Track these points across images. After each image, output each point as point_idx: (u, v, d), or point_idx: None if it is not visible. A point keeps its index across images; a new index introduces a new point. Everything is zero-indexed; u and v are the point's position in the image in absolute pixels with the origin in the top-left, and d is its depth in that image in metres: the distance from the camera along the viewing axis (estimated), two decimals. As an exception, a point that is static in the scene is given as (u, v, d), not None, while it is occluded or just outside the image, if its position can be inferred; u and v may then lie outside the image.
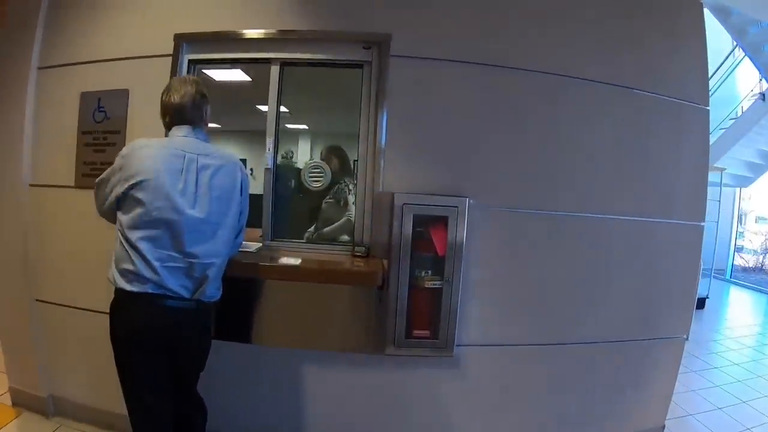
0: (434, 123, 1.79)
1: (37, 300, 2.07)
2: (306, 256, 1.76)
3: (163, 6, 1.91)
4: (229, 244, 1.43)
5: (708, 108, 2.05)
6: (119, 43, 1.94)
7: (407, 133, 1.79)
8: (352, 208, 2.04)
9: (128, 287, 1.28)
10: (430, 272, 1.70)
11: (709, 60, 2.07)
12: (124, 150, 1.37)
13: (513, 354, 1.88)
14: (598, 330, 1.95)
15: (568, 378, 1.96)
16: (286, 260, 1.68)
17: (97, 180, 1.42)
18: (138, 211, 1.28)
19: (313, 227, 2.24)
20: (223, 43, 1.86)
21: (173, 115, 1.42)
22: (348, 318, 1.79)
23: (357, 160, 1.91)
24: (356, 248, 1.81)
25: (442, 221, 1.69)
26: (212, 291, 1.40)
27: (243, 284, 1.71)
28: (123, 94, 1.91)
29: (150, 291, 1.28)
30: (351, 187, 2.03)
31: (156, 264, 1.27)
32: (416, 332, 1.72)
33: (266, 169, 1.87)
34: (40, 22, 2.02)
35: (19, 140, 2.01)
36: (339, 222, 2.14)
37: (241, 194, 1.45)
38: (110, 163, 1.39)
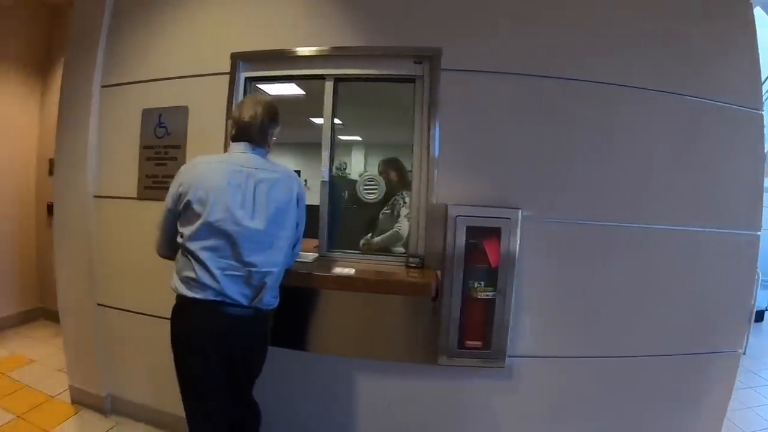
0: (486, 135, 1.80)
1: (98, 304, 2.18)
2: (361, 267, 1.79)
3: (219, 26, 2.00)
4: (286, 254, 1.47)
5: (762, 113, 1.99)
6: (178, 62, 2.04)
7: (460, 145, 1.80)
8: (403, 221, 2.06)
9: (189, 294, 1.34)
10: (483, 283, 1.70)
11: (764, 61, 2.01)
12: (183, 168, 1.44)
13: (565, 366, 1.86)
14: (650, 343, 1.90)
15: (620, 391, 1.92)
16: (341, 270, 1.71)
17: (157, 222, 1.47)
18: (199, 222, 1.33)
19: (369, 236, 2.28)
20: (278, 60, 1.92)
21: (238, 131, 1.48)
22: (401, 328, 1.81)
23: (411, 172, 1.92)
24: (410, 259, 1.83)
25: (495, 233, 1.69)
26: (269, 299, 1.44)
27: (299, 293, 1.75)
28: (183, 111, 2.00)
29: (210, 298, 1.33)
30: (407, 199, 2.05)
31: (217, 272, 1.33)
32: (468, 343, 1.72)
33: (322, 181, 1.92)
34: (102, 43, 2.15)
35: (84, 154, 2.14)
36: (387, 233, 2.18)
37: (298, 206, 1.49)
38: (171, 176, 1.45)
